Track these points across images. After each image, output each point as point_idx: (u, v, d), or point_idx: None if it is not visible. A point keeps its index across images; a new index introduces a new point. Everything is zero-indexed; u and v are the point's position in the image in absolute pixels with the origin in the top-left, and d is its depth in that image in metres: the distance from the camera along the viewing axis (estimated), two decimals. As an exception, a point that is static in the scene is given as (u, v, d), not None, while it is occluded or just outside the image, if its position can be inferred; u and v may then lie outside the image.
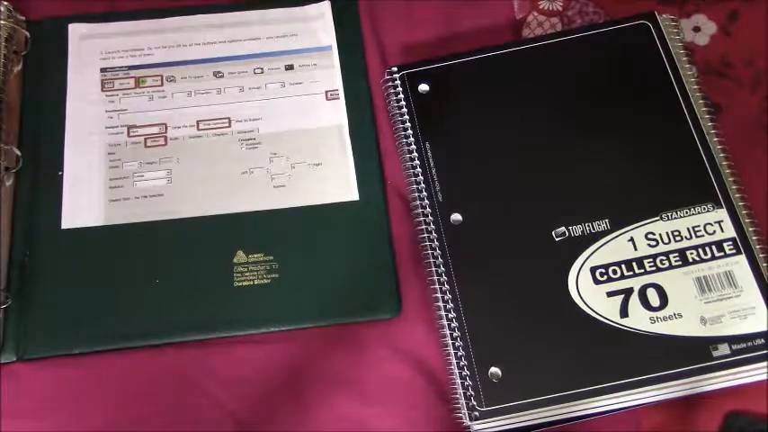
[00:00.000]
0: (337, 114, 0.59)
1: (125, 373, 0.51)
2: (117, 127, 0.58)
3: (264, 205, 0.56)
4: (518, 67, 0.57)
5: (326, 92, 0.59)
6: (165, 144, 0.57)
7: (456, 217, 0.53)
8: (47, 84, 0.58)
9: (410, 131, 0.56)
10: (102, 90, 0.59)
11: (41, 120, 0.57)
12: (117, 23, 0.61)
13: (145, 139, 0.57)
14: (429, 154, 0.55)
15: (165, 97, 0.59)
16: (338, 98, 0.59)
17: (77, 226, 0.55)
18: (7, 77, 0.57)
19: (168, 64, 0.60)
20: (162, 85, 0.59)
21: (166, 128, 0.58)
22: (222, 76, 0.60)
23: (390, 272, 0.54)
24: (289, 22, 0.61)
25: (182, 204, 0.56)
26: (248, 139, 0.58)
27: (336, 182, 0.56)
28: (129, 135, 0.57)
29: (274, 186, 0.56)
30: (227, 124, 0.58)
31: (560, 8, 0.62)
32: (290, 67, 0.60)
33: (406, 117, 0.56)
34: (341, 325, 0.53)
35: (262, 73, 0.60)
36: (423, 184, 0.54)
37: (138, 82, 0.59)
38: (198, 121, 0.58)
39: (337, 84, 0.59)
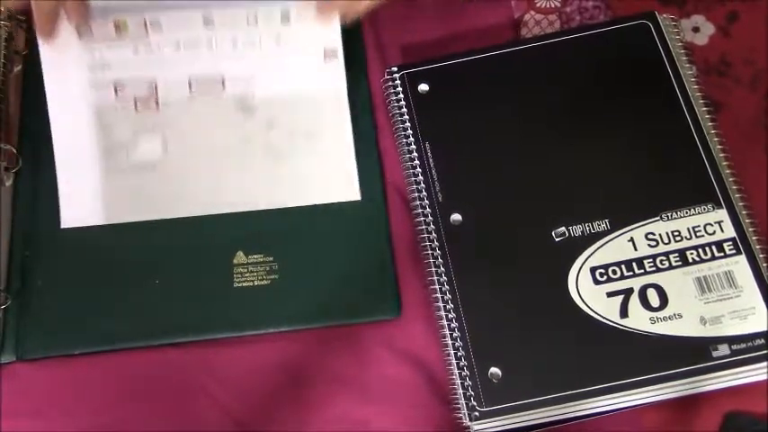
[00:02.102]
0: (335, 78, 0.56)
1: (125, 374, 0.51)
2: (102, 85, 0.54)
3: (266, 192, 0.54)
4: (518, 66, 0.57)
5: (324, 50, 0.56)
6: (157, 109, 0.55)
7: (456, 217, 0.53)
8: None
9: (410, 131, 0.56)
10: (80, 38, 0.54)
11: (41, 120, 0.57)
12: None
13: (135, 101, 0.55)
14: (429, 154, 0.55)
15: (150, 50, 0.55)
16: (336, 58, 0.56)
17: (76, 196, 0.54)
18: (7, 77, 0.57)
19: (150, 6, 0.54)
20: (147, 33, 0.54)
21: (156, 88, 0.55)
22: (213, 25, 0.55)
23: (390, 272, 0.54)
24: None
25: (177, 177, 0.54)
26: (243, 105, 0.56)
27: (335, 159, 0.55)
28: (116, 95, 0.55)
29: (272, 157, 0.55)
30: (221, 85, 0.55)
31: (558, 5, 0.62)
32: (285, 17, 0.55)
33: (406, 117, 0.56)
34: (341, 325, 0.53)
35: (255, 23, 0.55)
36: (423, 184, 0.54)
37: (120, 28, 0.54)
38: (190, 81, 0.55)
39: (336, 42, 0.56)
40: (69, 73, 0.54)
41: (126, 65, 0.55)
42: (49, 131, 0.56)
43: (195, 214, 0.55)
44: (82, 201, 0.54)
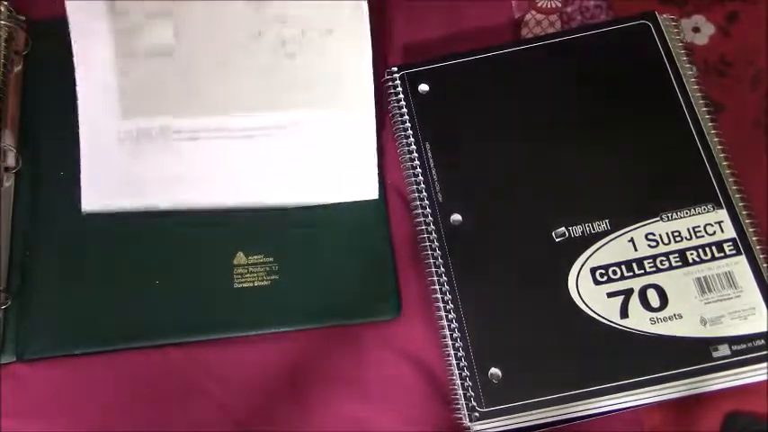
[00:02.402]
0: None
1: (125, 374, 0.52)
2: None
3: (276, 77, 0.53)
4: (518, 66, 0.57)
5: None
6: None
7: (456, 217, 0.53)
8: (47, 84, 0.58)
9: (410, 131, 0.56)
10: None
11: (41, 120, 0.57)
12: None
13: None
14: (429, 154, 0.55)
15: None
16: None
17: (92, 82, 0.53)
18: (7, 77, 0.57)
19: None
20: None
21: None
22: None
23: (390, 272, 0.54)
24: None
25: (191, 66, 0.53)
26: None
27: (348, 63, 0.53)
28: None
29: (285, 54, 0.54)
30: None
31: (559, 5, 0.62)
32: None
33: (406, 117, 0.56)
34: (341, 326, 0.53)
35: None
36: (423, 185, 0.54)
37: None
38: None
39: None
40: None
41: None
42: (50, 132, 0.56)
43: (209, 115, 0.53)
44: (100, 89, 0.53)
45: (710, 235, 0.50)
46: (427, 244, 0.52)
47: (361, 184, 0.54)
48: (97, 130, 0.53)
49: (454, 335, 0.50)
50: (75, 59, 0.54)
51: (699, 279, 0.49)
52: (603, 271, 0.50)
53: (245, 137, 0.53)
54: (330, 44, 0.54)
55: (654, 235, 0.51)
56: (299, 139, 0.54)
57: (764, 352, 0.47)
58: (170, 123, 0.53)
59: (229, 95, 0.54)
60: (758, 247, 0.50)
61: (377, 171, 0.53)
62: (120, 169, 0.53)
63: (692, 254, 0.50)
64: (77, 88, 0.53)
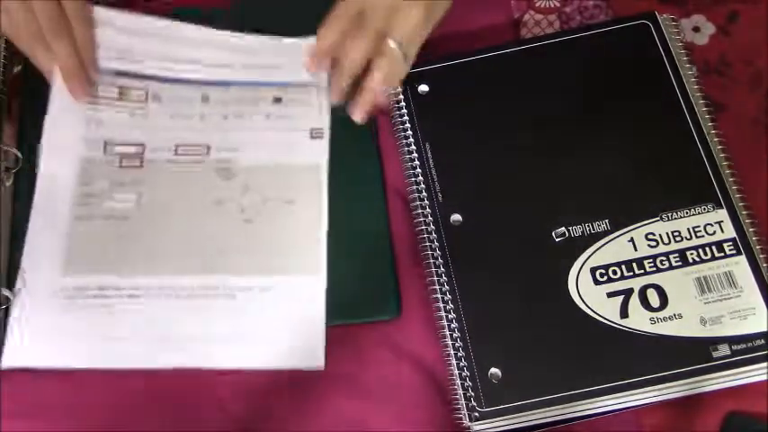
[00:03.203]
0: (318, 154, 0.57)
1: (125, 373, 0.51)
2: (93, 141, 0.56)
3: (230, 241, 0.54)
4: (518, 67, 0.57)
5: (311, 130, 0.57)
6: (141, 166, 0.56)
7: (456, 217, 0.53)
8: (47, 84, 0.58)
9: (410, 132, 0.56)
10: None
11: (41, 120, 0.57)
12: (105, 11, 0.58)
13: (121, 158, 0.56)
14: (429, 154, 0.55)
15: (146, 116, 0.57)
16: (322, 137, 0.57)
17: (41, 239, 0.53)
18: (7, 78, 0.57)
19: (157, 79, 0.58)
20: (146, 101, 0.57)
21: (144, 149, 0.56)
22: (208, 101, 0.58)
23: (390, 272, 0.54)
24: (282, 55, 0.59)
25: (146, 230, 0.54)
26: (224, 169, 0.56)
27: (306, 230, 0.54)
28: (105, 152, 0.56)
29: (244, 220, 0.55)
30: (206, 152, 0.56)
31: (557, 5, 0.62)
32: (278, 100, 0.58)
33: (406, 117, 0.56)
34: (341, 325, 0.53)
35: (249, 103, 0.58)
36: (423, 185, 0.54)
37: (122, 94, 0.57)
38: (177, 146, 0.56)
39: (323, 122, 0.58)
40: (68, 125, 0.56)
41: (119, 126, 0.57)
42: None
43: (153, 275, 0.53)
44: (45, 246, 0.53)
45: (710, 235, 0.50)
46: (427, 244, 0.52)
47: (307, 353, 0.51)
48: (34, 287, 0.52)
49: (454, 335, 0.50)
50: (31, 216, 0.54)
51: (699, 279, 0.49)
52: (603, 271, 0.50)
53: (188, 297, 0.52)
54: (288, 212, 0.55)
55: (654, 235, 0.51)
56: (247, 304, 0.53)
57: (764, 352, 0.47)
58: (110, 282, 0.52)
59: (180, 256, 0.53)
60: (758, 247, 0.50)
61: (323, 341, 0.52)
62: (49, 327, 0.51)
63: (691, 254, 0.50)
64: (25, 242, 0.53)
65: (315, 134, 0.57)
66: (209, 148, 0.57)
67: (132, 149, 0.56)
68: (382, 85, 0.56)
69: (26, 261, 0.53)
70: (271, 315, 0.52)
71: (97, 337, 0.51)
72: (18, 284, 0.52)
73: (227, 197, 0.55)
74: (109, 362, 0.51)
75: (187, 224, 0.54)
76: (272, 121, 0.58)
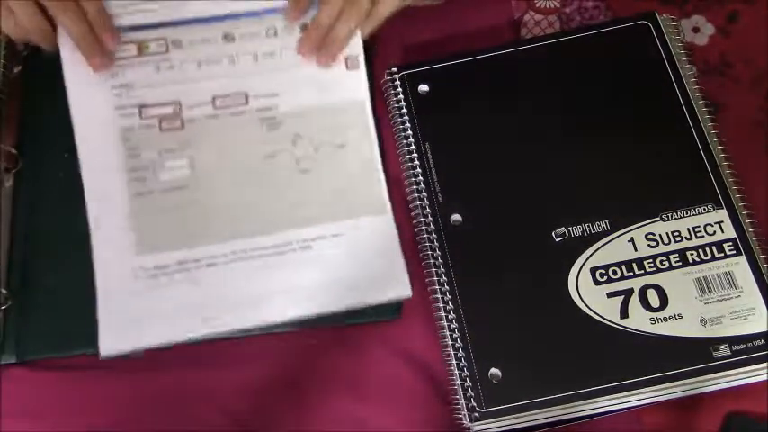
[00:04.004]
0: (358, 87, 0.56)
1: (125, 374, 0.51)
2: (127, 107, 0.54)
3: (292, 195, 0.53)
4: (518, 67, 0.57)
5: (346, 59, 0.56)
6: (182, 127, 0.54)
7: (456, 217, 0.53)
8: (47, 84, 0.58)
9: (410, 132, 0.56)
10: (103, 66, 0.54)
11: (41, 120, 0.57)
12: None
13: (159, 121, 0.54)
14: (429, 154, 0.55)
15: (172, 68, 0.55)
16: (357, 67, 0.56)
17: (105, 224, 0.52)
18: (7, 78, 0.57)
19: (172, 23, 0.55)
20: (167, 51, 0.55)
21: (181, 107, 0.54)
22: (233, 40, 0.55)
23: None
24: None
25: (206, 196, 0.53)
26: (268, 118, 0.55)
27: (361, 174, 0.54)
28: (141, 117, 0.54)
29: (300, 171, 0.54)
30: (245, 101, 0.55)
31: (557, 5, 0.62)
32: (304, 27, 0.56)
33: (406, 117, 0.56)
34: (341, 326, 0.53)
35: (275, 35, 0.56)
36: (423, 185, 0.54)
37: (142, 48, 0.55)
38: (214, 98, 0.55)
39: (357, 49, 0.56)
40: (95, 97, 0.54)
41: (149, 84, 0.55)
42: (49, 132, 0.56)
43: (225, 241, 0.53)
44: (112, 231, 0.52)
45: (710, 235, 0.50)
46: (427, 244, 0.52)
47: (393, 285, 0.52)
48: (112, 271, 0.52)
49: (454, 335, 0.50)
50: (87, 201, 0.53)
51: (699, 279, 0.49)
52: (603, 271, 0.50)
53: (264, 256, 0.52)
54: (341, 157, 0.55)
55: (654, 235, 0.51)
56: (323, 254, 0.53)
57: (764, 352, 0.47)
58: (187, 255, 0.52)
59: (245, 219, 0.53)
60: (758, 248, 0.50)
61: (406, 269, 0.52)
62: (138, 308, 0.51)
63: (692, 254, 0.50)
64: (90, 228, 0.52)
65: (350, 64, 0.56)
66: (247, 96, 0.55)
67: (169, 110, 0.55)
68: (346, 39, 0.55)
69: (96, 248, 0.52)
70: (349, 257, 0.52)
71: (189, 310, 0.51)
72: (96, 270, 0.52)
73: (279, 149, 0.54)
74: (204, 331, 0.51)
75: (245, 182, 0.54)
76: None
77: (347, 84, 0.56)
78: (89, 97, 0.54)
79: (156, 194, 0.53)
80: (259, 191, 0.54)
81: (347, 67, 0.56)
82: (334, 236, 0.53)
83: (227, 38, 0.56)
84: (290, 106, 0.55)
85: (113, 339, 0.50)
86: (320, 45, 0.55)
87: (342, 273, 0.52)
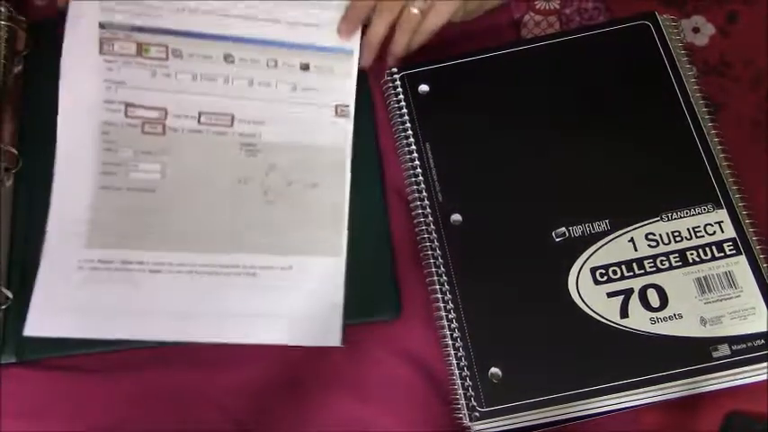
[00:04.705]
0: (343, 135, 0.56)
1: (125, 374, 0.51)
2: (114, 102, 0.54)
3: (252, 221, 0.54)
4: (518, 67, 0.57)
5: (337, 106, 0.57)
6: (164, 133, 0.55)
7: (456, 217, 0.53)
8: (47, 84, 0.58)
9: (410, 132, 0.56)
10: (101, 53, 0.55)
11: (42, 120, 0.57)
12: None
13: (143, 123, 0.55)
14: (429, 154, 0.55)
15: (168, 75, 0.55)
16: (347, 116, 0.57)
17: (65, 210, 0.52)
18: (7, 77, 0.57)
19: (177, 33, 0.56)
20: (167, 58, 0.55)
21: (166, 114, 0.55)
22: (232, 62, 0.56)
23: (390, 273, 0.54)
24: (314, 9, 0.57)
25: (170, 205, 0.54)
26: (248, 144, 0.55)
27: (327, 215, 0.54)
28: (126, 115, 0.54)
29: (266, 202, 0.54)
30: (230, 123, 0.56)
31: (557, 7, 0.62)
32: (305, 67, 0.57)
33: (407, 118, 0.56)
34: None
35: (275, 67, 0.57)
36: (423, 185, 0.54)
37: (142, 49, 0.55)
38: (200, 113, 0.55)
39: (349, 99, 0.57)
40: (85, 86, 0.55)
41: (142, 86, 0.55)
42: (49, 132, 0.56)
43: (176, 251, 0.53)
44: (69, 216, 0.53)
45: (710, 235, 0.50)
46: (427, 244, 0.52)
47: (325, 331, 0.52)
48: (57, 256, 0.52)
49: (454, 335, 0.50)
50: (54, 184, 0.53)
51: (699, 279, 0.50)
52: (603, 271, 0.50)
53: (210, 273, 0.53)
54: (311, 196, 0.55)
55: (654, 235, 0.51)
56: (267, 282, 0.53)
57: (764, 352, 0.47)
58: (133, 256, 0.52)
59: (201, 234, 0.53)
60: (758, 247, 0.50)
61: (341, 320, 0.52)
62: (73, 298, 0.51)
63: (692, 254, 0.50)
64: (49, 213, 0.53)
65: (340, 112, 0.57)
66: (233, 118, 0.56)
67: (155, 114, 0.55)
68: (399, 53, 0.56)
69: (50, 230, 0.52)
70: (290, 293, 0.52)
71: (119, 310, 0.51)
72: (43, 253, 0.52)
73: (251, 176, 0.55)
74: (129, 333, 0.51)
75: (211, 201, 0.54)
76: (297, 92, 0.57)
77: (333, 130, 0.57)
78: (80, 84, 0.55)
79: (122, 192, 0.54)
80: (221, 211, 0.54)
81: (336, 113, 0.57)
82: (283, 269, 0.53)
83: (228, 58, 0.56)
84: (273, 137, 0.56)
85: (41, 322, 0.51)
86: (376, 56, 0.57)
87: (279, 307, 0.52)
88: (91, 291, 0.51)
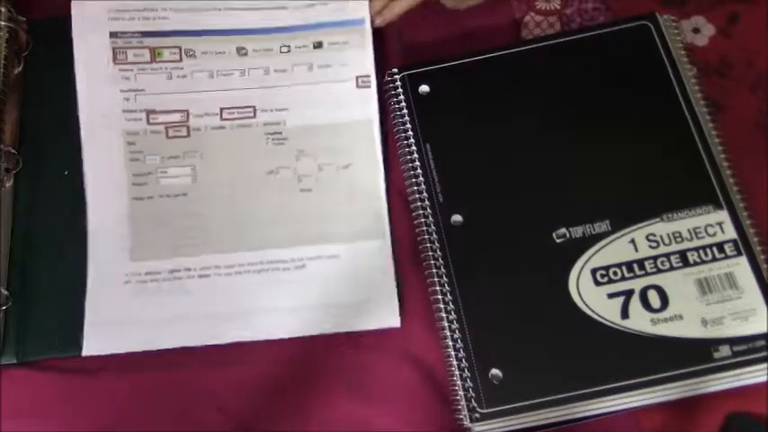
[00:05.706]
0: (368, 107, 0.56)
1: (125, 374, 0.51)
2: (135, 111, 0.55)
3: (291, 213, 0.53)
4: (518, 68, 0.57)
5: (357, 78, 0.56)
6: (188, 135, 0.55)
7: (456, 218, 0.53)
8: (47, 84, 0.58)
9: (410, 132, 0.56)
10: (115, 62, 0.56)
11: (42, 120, 0.57)
12: None
13: (166, 128, 0.55)
14: (429, 155, 0.55)
15: (185, 77, 0.55)
16: (369, 86, 0.56)
17: (103, 225, 0.53)
18: (7, 78, 0.57)
19: (186, 33, 0.56)
20: (181, 60, 0.56)
21: (188, 115, 0.55)
22: (246, 54, 0.56)
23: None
24: None
25: (206, 206, 0.54)
26: (274, 133, 0.55)
27: (364, 196, 0.54)
28: (148, 122, 0.54)
29: (301, 190, 0.54)
30: (253, 114, 0.55)
31: (558, 7, 0.62)
32: (318, 45, 0.56)
33: (407, 118, 0.56)
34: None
35: (288, 52, 0.56)
36: (423, 185, 0.54)
37: (155, 54, 0.56)
38: (221, 109, 0.55)
39: (368, 68, 0.56)
40: (103, 99, 0.55)
41: (160, 91, 0.55)
42: (49, 133, 0.56)
43: (219, 253, 0.53)
44: (108, 232, 0.53)
45: (711, 236, 0.50)
46: (428, 245, 0.52)
47: (382, 313, 0.52)
48: (104, 273, 0.52)
49: (455, 335, 0.50)
50: (88, 201, 0.53)
51: (699, 280, 0.49)
52: (604, 272, 0.50)
53: (258, 272, 0.53)
54: (345, 177, 0.55)
55: (654, 236, 0.51)
56: (316, 274, 0.53)
57: (765, 353, 0.47)
58: (179, 264, 0.52)
59: (241, 233, 0.53)
60: (759, 248, 0.50)
61: (396, 301, 0.52)
62: (126, 312, 0.52)
63: (692, 255, 0.50)
64: (88, 230, 0.53)
65: (362, 83, 0.56)
66: (255, 109, 0.55)
67: (177, 117, 0.55)
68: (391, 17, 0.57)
69: (92, 248, 0.53)
70: (342, 281, 0.52)
71: (174, 318, 0.51)
72: (89, 271, 0.52)
73: (283, 165, 0.54)
74: (187, 340, 0.51)
75: (245, 197, 0.54)
76: (315, 72, 0.56)
77: (357, 103, 0.56)
78: (98, 98, 0.55)
79: (155, 200, 0.54)
80: (258, 206, 0.54)
81: (357, 85, 0.56)
82: (330, 257, 0.53)
83: (241, 51, 0.56)
84: (298, 121, 0.55)
85: (97, 341, 0.51)
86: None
87: (333, 296, 0.52)
88: (142, 303, 0.52)
